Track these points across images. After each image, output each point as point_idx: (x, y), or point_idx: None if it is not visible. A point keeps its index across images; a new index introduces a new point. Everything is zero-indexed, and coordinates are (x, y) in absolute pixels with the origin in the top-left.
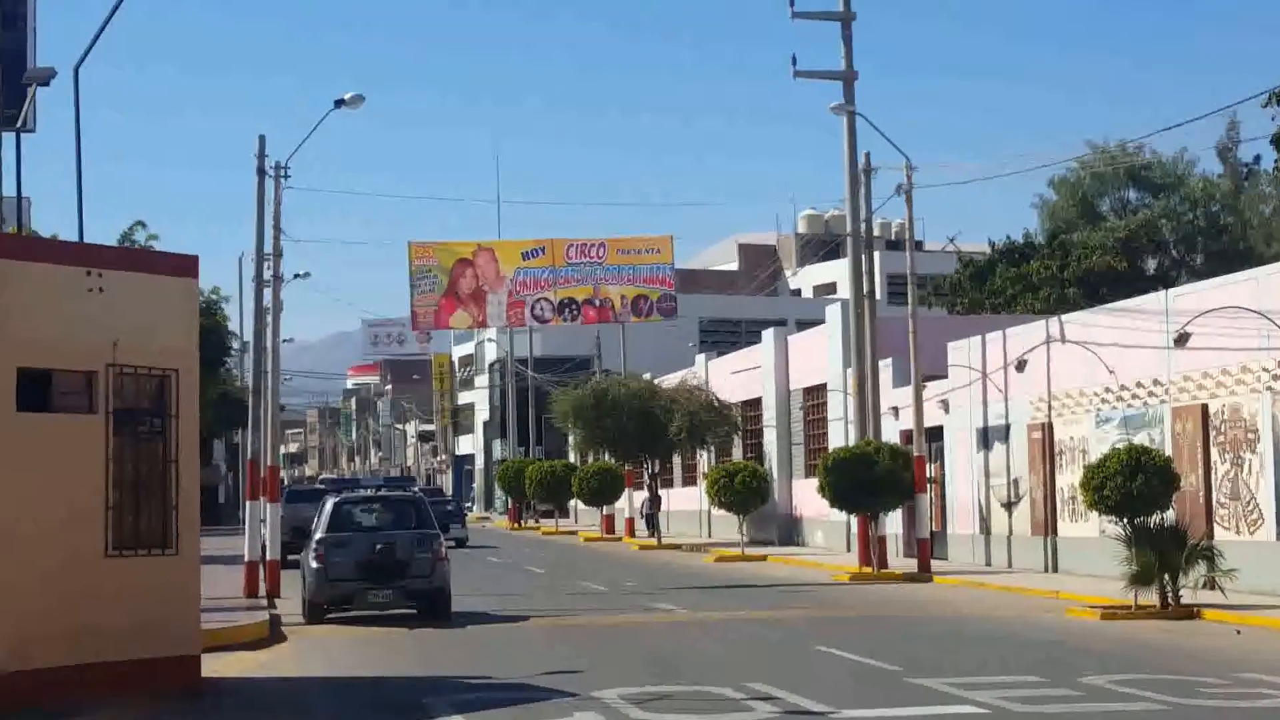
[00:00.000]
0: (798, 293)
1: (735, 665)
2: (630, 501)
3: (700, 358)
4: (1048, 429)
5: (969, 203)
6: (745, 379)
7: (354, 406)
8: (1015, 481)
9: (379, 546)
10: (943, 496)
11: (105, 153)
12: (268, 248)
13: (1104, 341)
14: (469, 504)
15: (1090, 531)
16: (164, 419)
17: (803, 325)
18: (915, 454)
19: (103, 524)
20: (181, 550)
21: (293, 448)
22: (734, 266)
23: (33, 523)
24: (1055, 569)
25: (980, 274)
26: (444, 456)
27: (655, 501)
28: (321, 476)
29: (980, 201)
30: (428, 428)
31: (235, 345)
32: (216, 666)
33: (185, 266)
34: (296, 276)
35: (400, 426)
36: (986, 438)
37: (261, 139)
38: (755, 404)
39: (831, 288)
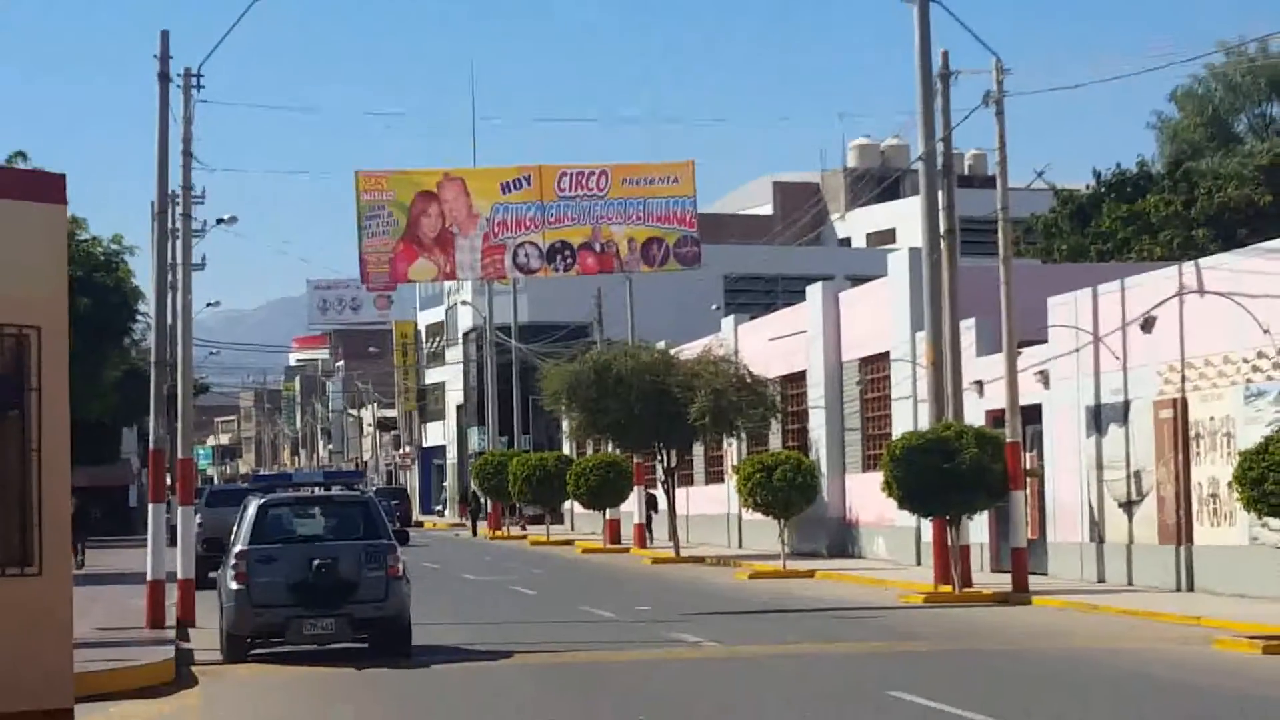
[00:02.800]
0: (847, 242)
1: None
2: (639, 504)
3: (728, 321)
4: (1180, 406)
5: (1063, 129)
6: (785, 348)
7: (298, 388)
8: (1136, 475)
9: (317, 562)
10: (1041, 495)
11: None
12: (177, 181)
13: (1255, 292)
14: (439, 507)
15: (1238, 538)
16: (20, 394)
17: (855, 282)
18: (1008, 439)
19: None
20: (46, 569)
21: (224, 439)
22: (767, 210)
23: None
24: (1190, 587)
25: (1082, 213)
26: (409, 449)
27: (651, 502)
28: (255, 474)
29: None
30: (388, 414)
31: (145, 310)
32: None
33: (47, 188)
34: (220, 222)
35: (354, 413)
36: (1099, 418)
37: (164, 35)
38: (798, 379)
39: (889, 235)
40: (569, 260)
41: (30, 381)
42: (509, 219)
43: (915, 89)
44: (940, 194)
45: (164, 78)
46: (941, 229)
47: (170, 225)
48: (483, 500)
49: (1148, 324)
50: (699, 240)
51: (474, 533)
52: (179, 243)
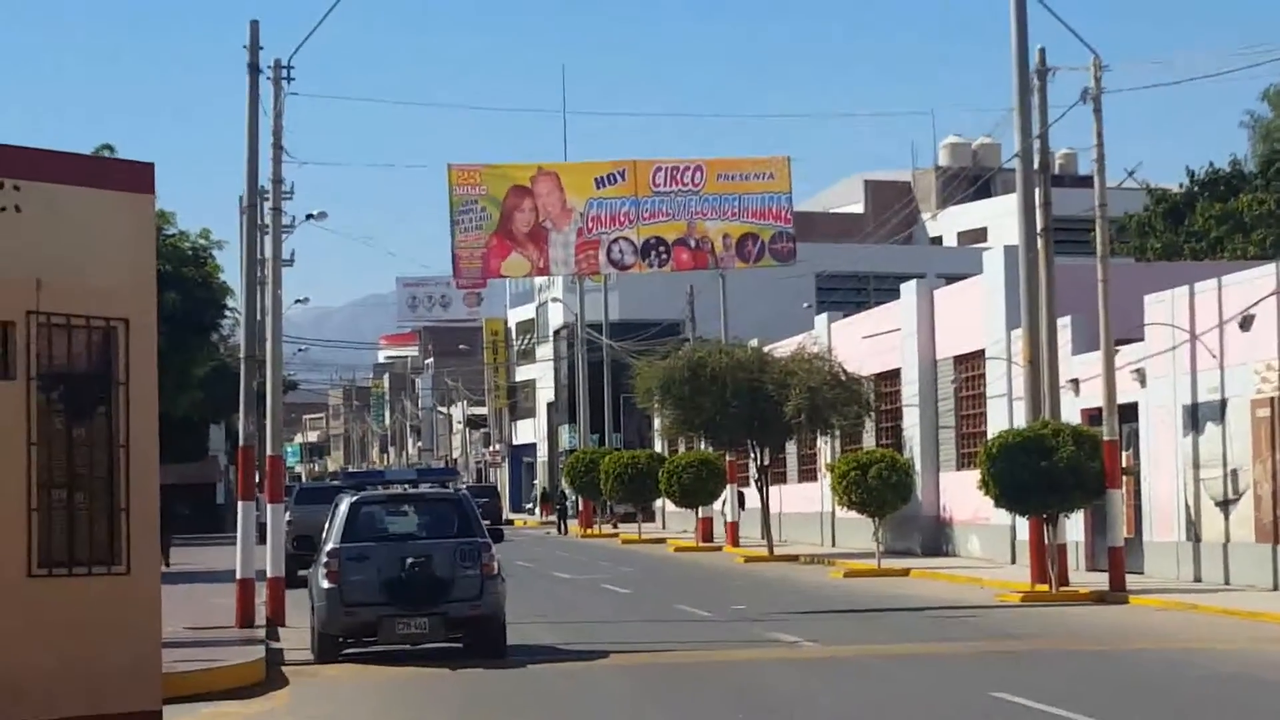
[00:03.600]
0: (938, 240)
1: None
2: (733, 502)
3: (821, 319)
4: (1278, 405)
5: (1155, 128)
6: (879, 346)
7: (387, 385)
8: (1233, 473)
9: (410, 561)
10: (1136, 494)
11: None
12: (266, 175)
13: None
14: (529, 505)
15: None
16: (109, 388)
17: (947, 280)
18: (1105, 438)
19: (24, 532)
20: (134, 567)
21: (312, 437)
22: (859, 209)
23: None
24: None
25: (1176, 212)
26: (498, 446)
27: (740, 500)
28: (344, 471)
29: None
30: (478, 411)
31: (233, 305)
32: None
33: (135, 177)
34: (310, 217)
35: (444, 410)
36: (1196, 417)
37: (254, 25)
38: (892, 377)
39: (980, 234)
40: (664, 256)
41: (117, 374)
42: (603, 214)
43: (1012, 85)
44: (1037, 191)
45: (254, 69)
46: (1038, 226)
47: (259, 220)
48: (570, 498)
49: (1246, 322)
50: (794, 236)
51: (562, 531)
52: (268, 238)
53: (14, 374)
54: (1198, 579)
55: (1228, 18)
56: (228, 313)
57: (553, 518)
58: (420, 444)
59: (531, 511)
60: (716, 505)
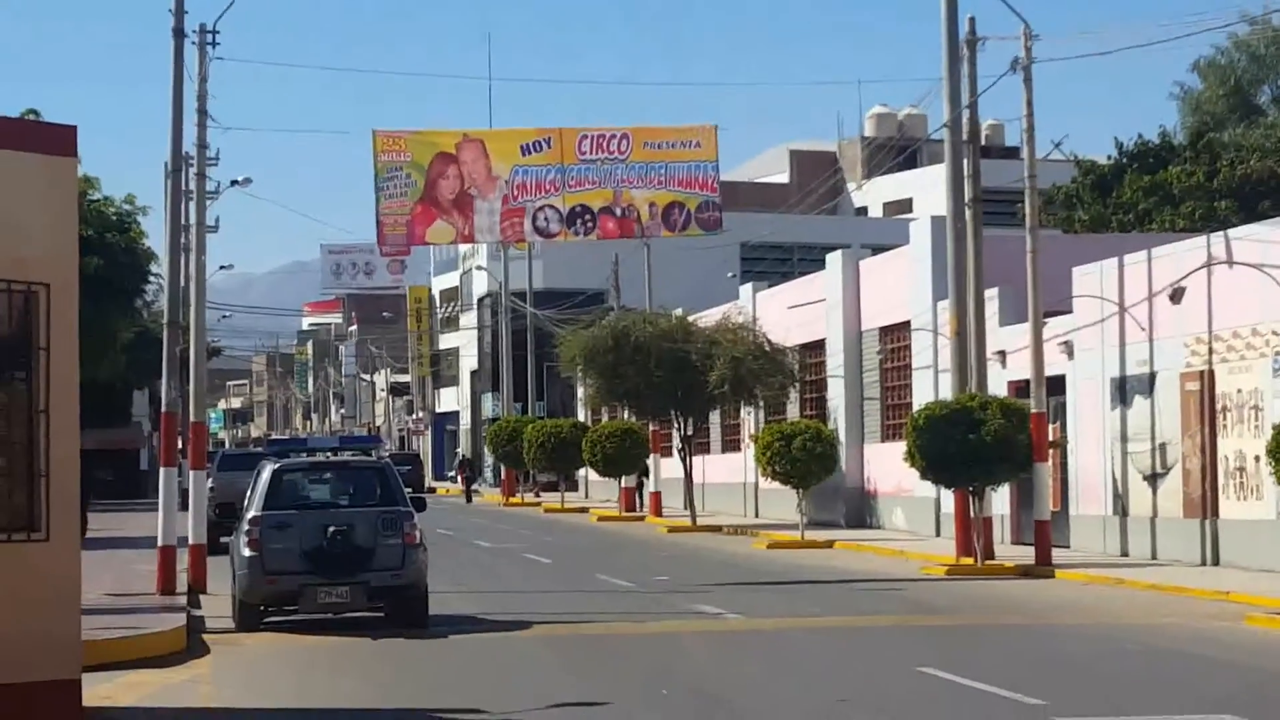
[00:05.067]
0: (863, 211)
1: (814, 696)
2: (656, 471)
3: (746, 289)
4: (1208, 379)
5: (1084, 99)
6: (805, 316)
7: (311, 352)
8: (1162, 447)
9: (332, 529)
10: (1064, 467)
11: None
12: (191, 141)
13: None
14: (451, 472)
15: (1265, 512)
16: (29, 353)
17: (873, 251)
18: (1033, 410)
19: None
20: (53, 534)
21: (235, 403)
22: (784, 179)
23: None
24: (1216, 561)
25: (1104, 183)
26: (422, 414)
27: (644, 470)
28: (267, 438)
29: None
30: (401, 379)
31: (158, 271)
32: (107, 692)
33: (57, 140)
34: (234, 183)
35: (367, 377)
36: (1124, 390)
37: None
38: (817, 348)
39: (906, 205)
40: (589, 224)
41: (38, 340)
42: (529, 181)
43: (941, 55)
44: (965, 162)
45: (178, 33)
46: (966, 197)
47: (184, 186)
48: (476, 466)
49: (1176, 294)
50: (720, 206)
51: (467, 499)
52: (193, 204)
53: None
54: (1124, 553)
55: None
56: (152, 278)
57: (476, 487)
58: (344, 411)
59: (454, 479)
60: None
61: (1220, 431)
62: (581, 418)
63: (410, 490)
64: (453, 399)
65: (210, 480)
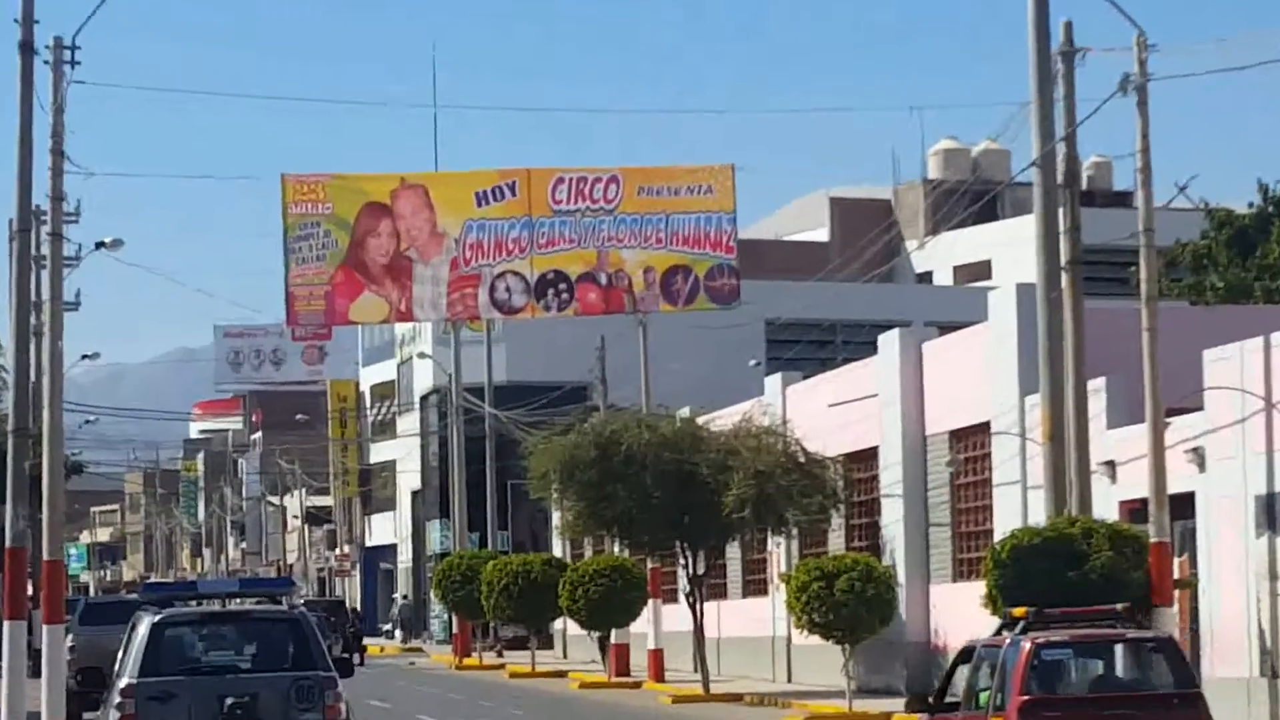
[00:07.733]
0: (927, 277)
1: None
2: (657, 621)
3: (773, 381)
4: None
5: (1214, 133)
6: (850, 416)
7: (201, 468)
8: None
9: (231, 701)
10: (1194, 614)
11: None
12: (44, 191)
13: None
14: (388, 626)
15: None
16: None
17: (941, 330)
18: (1152, 539)
19: None
20: None
21: (103, 535)
22: (823, 236)
23: None
24: None
25: (1244, 238)
26: (348, 549)
27: None
28: (145, 581)
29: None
30: (321, 501)
31: (1, 362)
32: None
33: None
34: (100, 246)
35: (276, 500)
36: (1273, 511)
37: None
38: (868, 459)
39: (984, 269)
40: (565, 296)
41: None
42: (485, 240)
43: (1029, 71)
44: (1061, 212)
45: (26, 48)
46: (1063, 259)
47: (34, 249)
48: (424, 616)
49: None
50: (738, 270)
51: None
52: (45, 273)
53: None
54: None
55: None
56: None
57: (417, 641)
58: (245, 546)
59: (391, 634)
60: (635, 627)
61: None
62: (558, 552)
63: (339, 648)
64: (388, 529)
65: (70, 638)
